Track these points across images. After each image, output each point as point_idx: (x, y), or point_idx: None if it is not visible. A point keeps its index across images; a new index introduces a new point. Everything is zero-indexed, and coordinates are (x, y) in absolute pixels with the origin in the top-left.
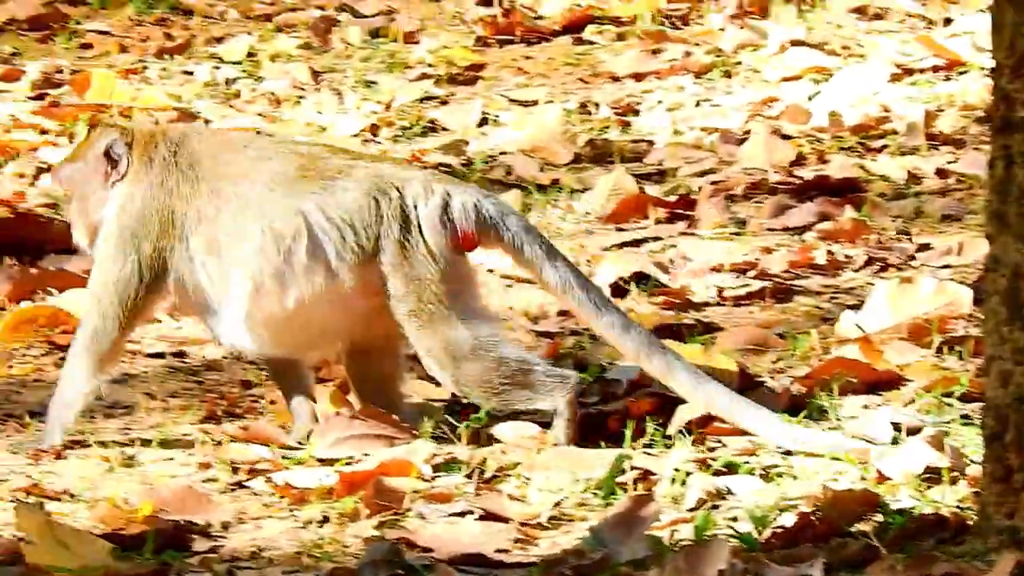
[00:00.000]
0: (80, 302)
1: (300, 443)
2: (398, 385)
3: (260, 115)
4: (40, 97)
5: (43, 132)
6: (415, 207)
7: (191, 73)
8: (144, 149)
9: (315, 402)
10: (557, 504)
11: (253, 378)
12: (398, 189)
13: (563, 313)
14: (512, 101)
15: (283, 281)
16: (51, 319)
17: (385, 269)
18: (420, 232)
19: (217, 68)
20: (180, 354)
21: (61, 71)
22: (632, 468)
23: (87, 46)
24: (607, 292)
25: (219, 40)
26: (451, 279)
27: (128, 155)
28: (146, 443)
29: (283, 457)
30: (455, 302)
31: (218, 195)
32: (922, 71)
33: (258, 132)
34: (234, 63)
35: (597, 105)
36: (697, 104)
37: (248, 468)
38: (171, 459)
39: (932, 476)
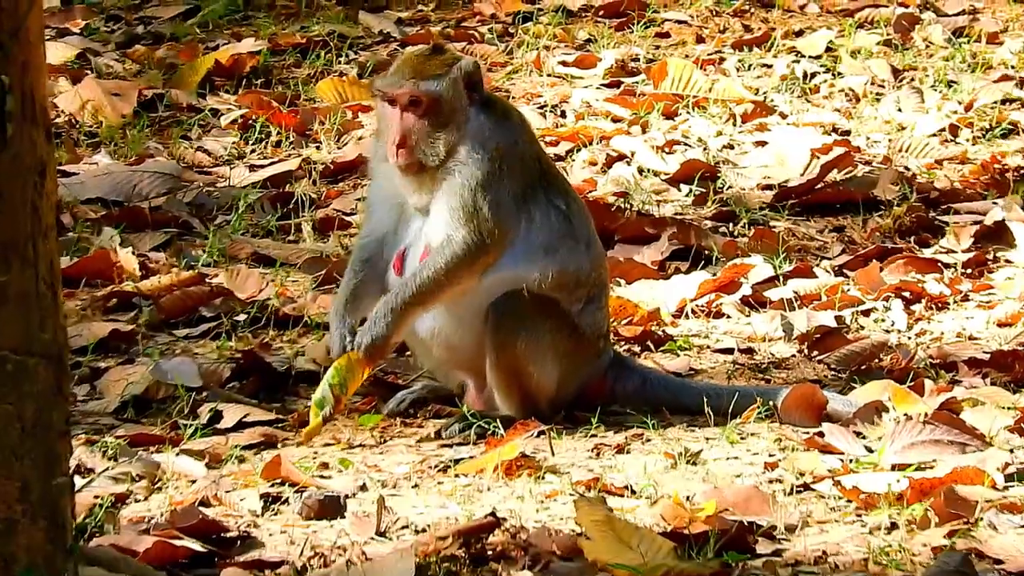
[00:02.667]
0: (636, 291)
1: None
2: None
3: (837, 111)
4: (614, 85)
5: (616, 120)
6: None
7: (769, 66)
8: (488, 89)
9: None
10: None
11: (821, 377)
12: None
13: None
14: None
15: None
16: (617, 310)
17: None
18: None
19: (796, 62)
20: (748, 351)
21: (637, 59)
22: None
23: (664, 35)
24: None
25: (798, 34)
26: None
27: (482, 81)
28: (710, 440)
29: (851, 461)
30: None
31: (564, 182)
32: None
33: None
34: (813, 58)
35: None
36: None
37: (814, 471)
38: (736, 458)
39: None
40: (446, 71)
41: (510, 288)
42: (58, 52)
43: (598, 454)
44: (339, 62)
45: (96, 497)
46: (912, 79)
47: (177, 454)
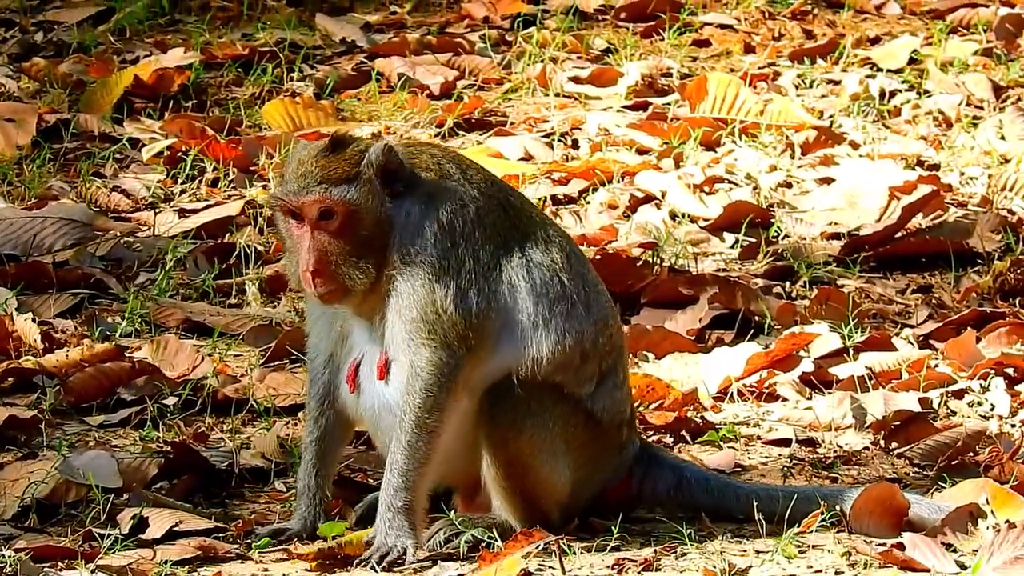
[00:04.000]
0: (668, 367)
1: None
2: None
3: (923, 139)
4: (640, 107)
5: (642, 152)
6: None
7: (837, 83)
8: (414, 158)
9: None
10: None
11: (900, 475)
12: None
13: None
14: None
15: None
16: (644, 392)
17: None
18: None
19: (871, 77)
20: (810, 442)
21: (669, 74)
22: None
23: (703, 43)
24: None
25: (874, 41)
26: None
27: (401, 164)
28: (761, 554)
29: None
30: None
31: (543, 223)
32: None
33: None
34: (893, 72)
35: None
36: None
37: None
38: None
39: None
40: (357, 170)
41: (500, 377)
42: None
43: (620, 571)
44: (291, 78)
45: None
46: (1019, 99)
47: (92, 571)
